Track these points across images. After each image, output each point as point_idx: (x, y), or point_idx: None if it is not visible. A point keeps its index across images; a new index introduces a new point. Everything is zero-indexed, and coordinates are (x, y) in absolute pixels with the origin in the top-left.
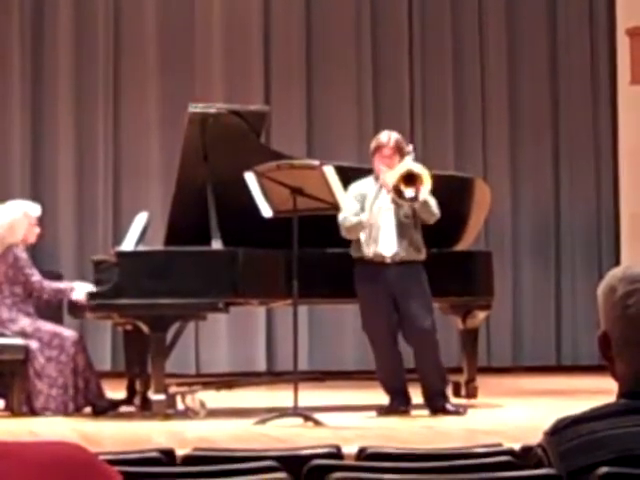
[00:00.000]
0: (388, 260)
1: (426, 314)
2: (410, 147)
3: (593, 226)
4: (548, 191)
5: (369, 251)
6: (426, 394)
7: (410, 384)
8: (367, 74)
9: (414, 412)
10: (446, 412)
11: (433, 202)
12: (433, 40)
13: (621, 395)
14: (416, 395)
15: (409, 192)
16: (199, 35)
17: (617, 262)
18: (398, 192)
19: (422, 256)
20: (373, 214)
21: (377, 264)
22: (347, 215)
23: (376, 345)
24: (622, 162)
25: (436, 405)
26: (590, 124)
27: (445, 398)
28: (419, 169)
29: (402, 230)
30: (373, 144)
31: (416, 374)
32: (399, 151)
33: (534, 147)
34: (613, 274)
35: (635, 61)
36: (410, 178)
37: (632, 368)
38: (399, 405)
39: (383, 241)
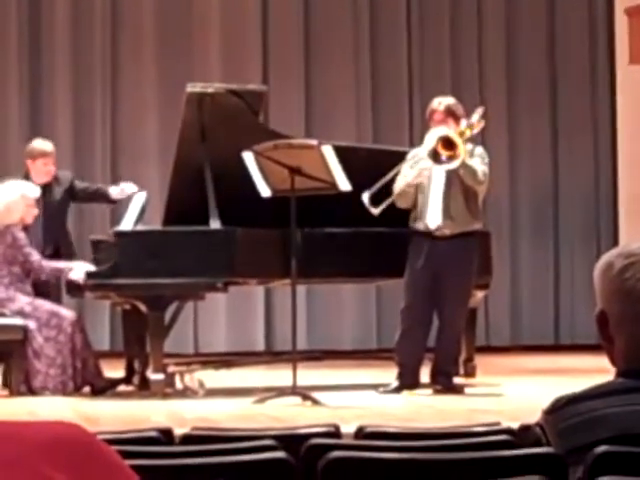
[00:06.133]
0: (435, 233)
1: (459, 300)
2: (479, 110)
3: (591, 205)
4: (546, 171)
5: (419, 223)
6: (432, 369)
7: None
8: (365, 53)
9: (414, 391)
10: (447, 390)
11: (479, 168)
12: (431, 17)
13: (619, 374)
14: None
15: (444, 156)
16: (197, 15)
17: (615, 241)
18: (435, 155)
19: (474, 227)
20: (423, 184)
21: (425, 238)
22: (400, 183)
23: (407, 317)
24: (620, 141)
25: (438, 381)
26: (588, 103)
27: (449, 377)
28: (454, 136)
29: (450, 200)
30: (427, 111)
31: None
32: (451, 115)
33: (532, 127)
34: (609, 253)
35: (634, 40)
36: (449, 143)
37: (630, 345)
38: (404, 386)
39: (430, 212)
